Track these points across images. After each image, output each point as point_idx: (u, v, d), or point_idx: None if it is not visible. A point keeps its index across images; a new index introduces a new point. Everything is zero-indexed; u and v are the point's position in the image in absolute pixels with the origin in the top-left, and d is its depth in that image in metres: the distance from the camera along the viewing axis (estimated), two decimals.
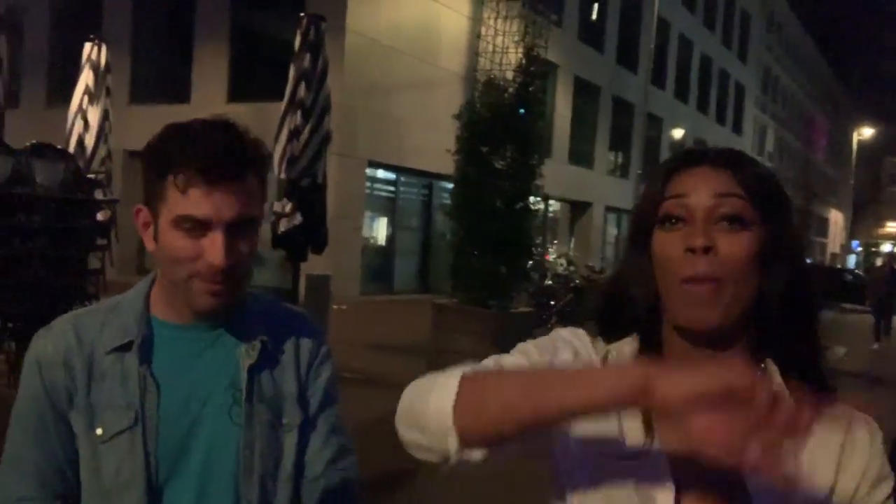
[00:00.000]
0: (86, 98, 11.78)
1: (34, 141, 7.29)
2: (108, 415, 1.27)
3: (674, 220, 1.01)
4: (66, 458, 1.28)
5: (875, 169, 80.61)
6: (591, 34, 26.16)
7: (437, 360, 7.67)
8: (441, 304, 8.07)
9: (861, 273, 35.03)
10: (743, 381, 0.75)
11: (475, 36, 8.51)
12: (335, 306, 12.10)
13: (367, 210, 17.57)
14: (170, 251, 1.24)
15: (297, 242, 9.85)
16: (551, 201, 25.13)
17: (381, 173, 18.38)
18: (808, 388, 1.01)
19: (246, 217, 1.26)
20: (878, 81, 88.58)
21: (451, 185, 8.19)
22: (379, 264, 18.55)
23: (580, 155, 26.35)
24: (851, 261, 67.93)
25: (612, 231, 30.19)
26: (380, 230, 18.97)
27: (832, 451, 1.02)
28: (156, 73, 19.46)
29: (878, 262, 26.10)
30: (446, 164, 8.04)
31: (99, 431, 1.26)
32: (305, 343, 1.46)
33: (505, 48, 7.87)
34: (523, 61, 7.68)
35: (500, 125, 7.50)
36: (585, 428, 1.04)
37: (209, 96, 17.96)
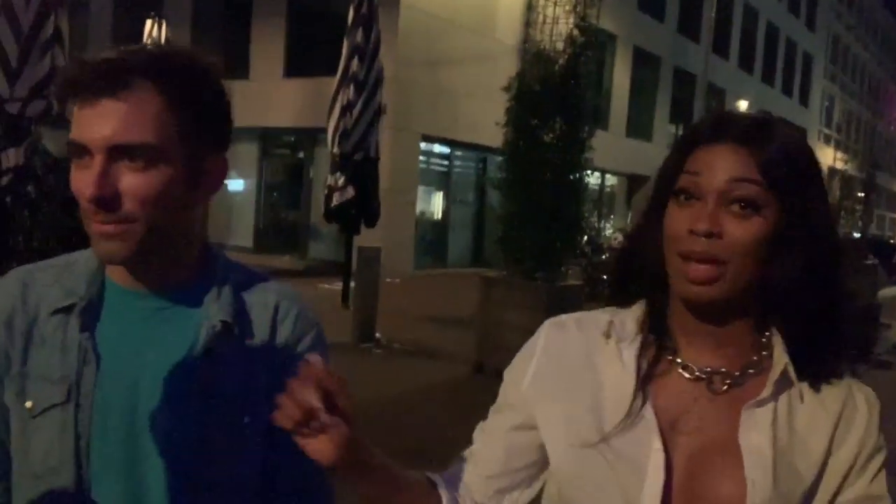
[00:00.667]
0: None
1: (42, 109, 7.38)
2: (40, 386, 1.08)
3: (687, 196, 1.00)
4: (5, 432, 1.10)
5: None
6: (651, 3, 25.59)
7: (485, 333, 7.72)
8: (490, 278, 8.09)
9: None
10: None
11: (527, 6, 8.40)
12: (388, 279, 12.25)
13: (421, 184, 17.63)
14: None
15: (349, 216, 10.02)
16: (608, 175, 24.83)
17: (436, 147, 18.41)
18: (815, 362, 1.03)
19: (131, 141, 1.01)
20: None
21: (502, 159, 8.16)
22: (433, 238, 18.64)
23: (639, 127, 25.91)
24: None
25: None
26: (434, 204, 19.04)
27: (828, 422, 1.03)
28: (215, 49, 19.63)
29: None
30: (500, 138, 8.02)
31: (28, 404, 1.08)
32: (285, 329, 1.20)
33: (556, 18, 7.76)
34: (574, 32, 7.57)
35: (550, 97, 7.42)
36: (556, 431, 1.07)
37: (267, 71, 18.19)
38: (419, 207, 17.72)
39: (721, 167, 0.98)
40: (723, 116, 1.04)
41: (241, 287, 1.22)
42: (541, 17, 7.84)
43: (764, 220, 0.97)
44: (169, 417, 1.09)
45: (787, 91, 39.27)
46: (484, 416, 1.20)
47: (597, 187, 23.14)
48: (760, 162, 0.97)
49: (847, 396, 1.04)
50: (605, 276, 13.59)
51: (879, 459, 1.04)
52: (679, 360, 1.06)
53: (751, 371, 1.04)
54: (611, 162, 21.76)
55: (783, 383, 1.02)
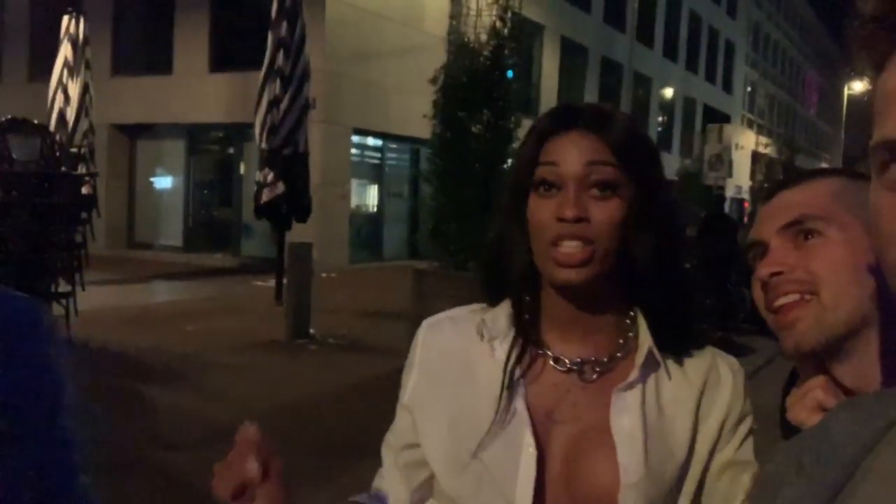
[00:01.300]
0: (65, 72, 11.72)
1: (10, 116, 7.27)
2: None
3: (547, 186, 1.03)
4: None
5: (867, 123, 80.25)
6: None
7: (419, 325, 7.71)
8: (422, 270, 8.11)
9: None
10: None
11: None
12: (323, 274, 12.16)
13: (354, 178, 17.52)
14: None
15: (280, 212, 9.92)
16: None
17: (369, 140, 18.32)
18: (675, 339, 1.06)
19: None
20: (853, 27, 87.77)
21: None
22: (368, 232, 18.56)
23: None
24: None
25: None
26: (368, 198, 18.96)
27: (693, 395, 1.05)
28: (137, 44, 19.25)
29: None
30: (431, 131, 8.04)
31: None
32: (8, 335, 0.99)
33: (480, 10, 7.80)
34: (497, 23, 7.62)
35: (477, 89, 7.47)
36: (435, 443, 1.08)
37: (191, 67, 17.80)
38: (353, 201, 17.62)
39: (576, 153, 1.01)
40: (567, 107, 1.08)
41: None
42: (465, 9, 7.87)
43: (622, 200, 1.01)
44: None
45: (710, 78, 40.23)
46: None
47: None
48: (611, 144, 1.01)
49: (710, 367, 1.07)
50: None
51: (746, 425, 1.07)
52: (550, 354, 1.08)
53: (619, 355, 1.07)
54: None
55: (649, 364, 1.05)
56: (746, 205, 36.05)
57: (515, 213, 1.07)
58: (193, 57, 17.85)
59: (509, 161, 7.83)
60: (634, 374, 1.04)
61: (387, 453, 1.16)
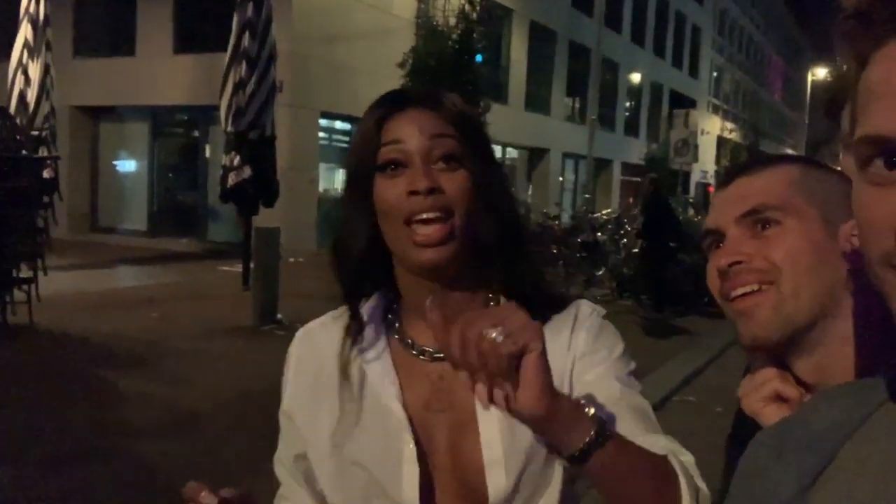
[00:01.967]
0: (25, 53, 11.42)
1: None
2: None
3: (394, 166, 1.02)
4: None
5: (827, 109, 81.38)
6: None
7: None
8: None
9: None
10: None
11: None
12: (291, 259, 12.07)
13: (322, 162, 17.39)
14: None
15: (247, 196, 9.81)
16: (508, 148, 25.10)
17: (337, 124, 18.18)
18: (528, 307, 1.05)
19: None
20: (833, 20, 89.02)
21: None
22: (337, 216, 18.18)
23: (537, 101, 26.26)
24: None
25: (570, 177, 30.32)
26: (337, 182, 18.82)
27: (563, 354, 1.04)
28: (99, 25, 18.87)
29: None
30: None
31: None
32: None
33: None
34: (466, 7, 7.58)
35: (445, 73, 7.43)
36: (317, 453, 1.08)
37: (155, 48, 17.51)
38: (321, 185, 17.49)
39: (418, 128, 1.02)
40: (400, 91, 1.11)
41: None
42: None
43: (467, 171, 1.02)
44: None
45: (677, 63, 40.50)
46: None
47: (498, 160, 23.38)
48: (451, 118, 1.03)
49: (574, 318, 1.07)
50: None
51: (599, 360, 1.04)
52: (415, 346, 1.08)
53: None
54: (511, 135, 22.00)
55: None
56: (711, 189, 36.43)
57: (361, 201, 1.05)
58: (157, 38, 17.55)
59: None
60: None
61: (282, 471, 1.14)
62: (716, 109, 48.39)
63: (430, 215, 0.99)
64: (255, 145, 9.49)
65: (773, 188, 0.91)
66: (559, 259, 13.13)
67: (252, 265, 9.18)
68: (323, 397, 1.09)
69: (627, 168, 33.02)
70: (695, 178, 39.18)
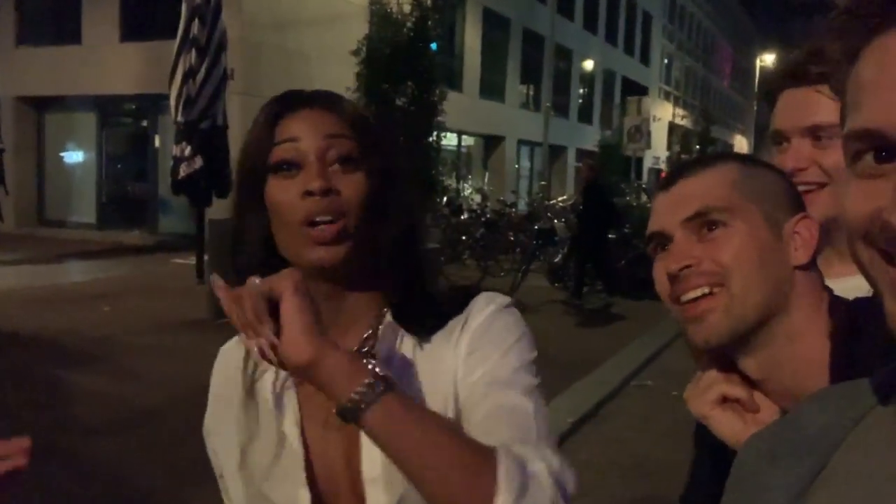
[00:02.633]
0: None
1: None
2: None
3: (287, 166, 0.99)
4: None
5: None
6: None
7: None
8: None
9: None
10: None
11: None
12: None
13: None
14: None
15: (198, 187, 9.65)
16: (464, 136, 25.12)
17: None
18: (416, 316, 1.03)
19: None
20: (780, 8, 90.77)
21: None
22: None
23: (492, 89, 26.29)
24: None
25: (526, 164, 30.47)
26: None
27: (445, 369, 1.00)
28: (43, 13, 18.36)
29: None
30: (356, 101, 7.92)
31: None
32: None
33: None
34: None
35: (400, 61, 7.39)
36: (231, 481, 1.07)
37: (101, 36, 17.09)
38: None
39: (314, 127, 0.99)
40: (294, 91, 1.06)
41: None
42: None
43: (366, 174, 0.99)
44: None
45: (629, 50, 40.89)
46: None
47: (454, 149, 23.38)
48: (347, 119, 1.01)
49: (465, 320, 1.01)
50: (463, 237, 13.84)
51: (482, 360, 0.99)
52: None
53: (371, 342, 1.03)
54: (466, 123, 22.00)
55: (397, 348, 1.02)
56: (664, 175, 36.94)
57: (253, 204, 1.01)
58: (103, 26, 17.13)
59: (434, 134, 7.81)
60: (381, 357, 1.00)
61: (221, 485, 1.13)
62: (667, 96, 49.03)
63: (325, 218, 0.95)
64: (207, 135, 9.34)
65: (715, 189, 0.91)
66: (516, 246, 13.21)
67: (206, 257, 9.05)
68: (232, 419, 1.07)
69: (582, 155, 33.23)
70: (647, 163, 39.68)
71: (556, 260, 11.40)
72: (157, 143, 17.48)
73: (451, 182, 15.91)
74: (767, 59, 62.94)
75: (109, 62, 16.62)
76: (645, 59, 43.75)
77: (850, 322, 0.87)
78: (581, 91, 34.89)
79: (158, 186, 16.93)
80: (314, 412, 1.02)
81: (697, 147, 37.32)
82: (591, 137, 31.55)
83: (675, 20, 50.91)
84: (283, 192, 0.98)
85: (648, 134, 25.74)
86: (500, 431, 0.91)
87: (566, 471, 0.88)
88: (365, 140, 1.00)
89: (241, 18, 14.20)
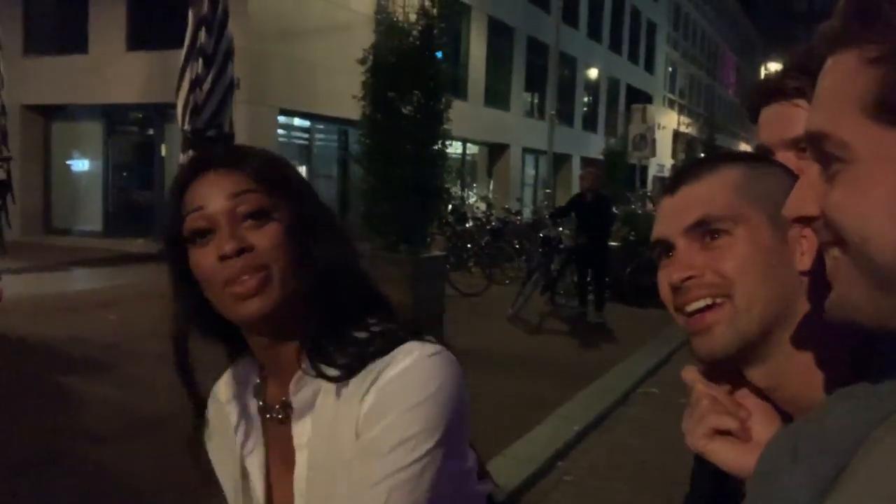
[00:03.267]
0: None
1: None
2: None
3: (200, 235, 1.00)
4: None
5: None
6: None
7: None
8: None
9: None
10: None
11: None
12: None
13: None
14: None
15: None
16: (469, 144, 25.16)
17: (295, 121, 18.02)
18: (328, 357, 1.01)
19: None
20: (785, 16, 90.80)
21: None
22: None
23: (496, 97, 26.33)
24: None
25: (530, 172, 30.46)
26: None
27: (356, 405, 0.97)
28: (50, 22, 18.45)
29: None
30: (360, 111, 7.94)
31: None
32: None
33: None
34: (426, 2, 7.57)
35: (406, 69, 7.41)
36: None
37: (108, 45, 17.17)
38: None
39: (220, 190, 0.99)
40: (198, 155, 1.07)
41: None
42: None
43: (279, 223, 1.00)
44: None
45: (633, 58, 40.92)
46: None
47: (458, 157, 23.39)
48: (251, 173, 1.01)
49: (374, 379, 0.96)
50: (468, 245, 13.85)
51: (386, 410, 0.95)
52: (267, 409, 1.10)
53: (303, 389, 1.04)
54: (471, 131, 22.03)
55: (309, 389, 1.02)
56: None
57: (181, 272, 1.05)
58: (110, 35, 17.21)
59: (440, 142, 7.82)
60: (300, 404, 1.03)
61: None
62: (671, 104, 49.02)
63: (245, 277, 0.97)
64: (213, 143, 9.36)
65: (718, 196, 0.89)
66: (521, 254, 13.22)
67: None
68: (225, 456, 1.15)
69: (587, 163, 33.30)
70: (652, 172, 39.64)
71: (554, 266, 11.34)
72: (163, 151, 17.53)
73: (456, 190, 15.89)
74: (772, 67, 62.92)
75: (116, 71, 16.69)
76: (649, 67, 43.77)
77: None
78: (585, 99, 34.91)
79: (164, 195, 16.92)
80: (276, 454, 1.09)
81: (702, 155, 37.37)
82: (595, 145, 31.54)
83: (680, 28, 50.95)
84: (202, 259, 0.99)
85: (653, 142, 25.66)
86: None
87: None
88: (275, 191, 1.00)
89: (247, 28, 14.27)
